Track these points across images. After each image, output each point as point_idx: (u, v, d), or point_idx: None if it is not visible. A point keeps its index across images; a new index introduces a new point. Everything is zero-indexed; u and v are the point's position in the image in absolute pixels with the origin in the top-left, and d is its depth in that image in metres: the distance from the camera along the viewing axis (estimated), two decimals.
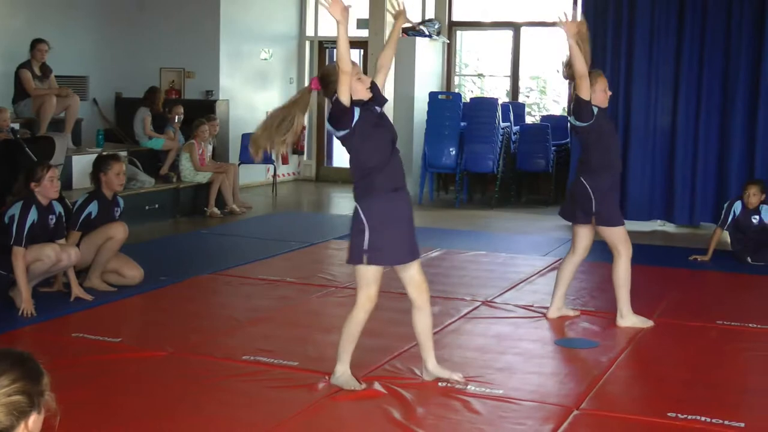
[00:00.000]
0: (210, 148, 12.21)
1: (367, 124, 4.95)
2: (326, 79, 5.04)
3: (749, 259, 8.86)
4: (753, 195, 8.83)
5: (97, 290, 7.16)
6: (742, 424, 4.64)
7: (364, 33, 13.71)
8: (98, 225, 7.25)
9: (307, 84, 5.48)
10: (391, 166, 5.00)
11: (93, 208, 7.25)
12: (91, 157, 8.51)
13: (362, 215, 4.94)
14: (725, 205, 9.12)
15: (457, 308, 6.95)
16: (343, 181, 15.34)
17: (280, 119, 4.97)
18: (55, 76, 11.04)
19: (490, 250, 9.32)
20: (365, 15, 13.50)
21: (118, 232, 7.30)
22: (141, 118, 12.08)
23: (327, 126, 5.08)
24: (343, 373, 5.12)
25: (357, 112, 4.92)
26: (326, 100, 4.98)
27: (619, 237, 6.51)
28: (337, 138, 5.03)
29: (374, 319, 6.63)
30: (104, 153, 8.54)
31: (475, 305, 7.06)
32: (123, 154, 10.95)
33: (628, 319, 6.54)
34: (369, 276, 5.04)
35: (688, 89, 10.90)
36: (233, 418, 4.70)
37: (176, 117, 12.26)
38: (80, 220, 7.20)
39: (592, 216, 6.43)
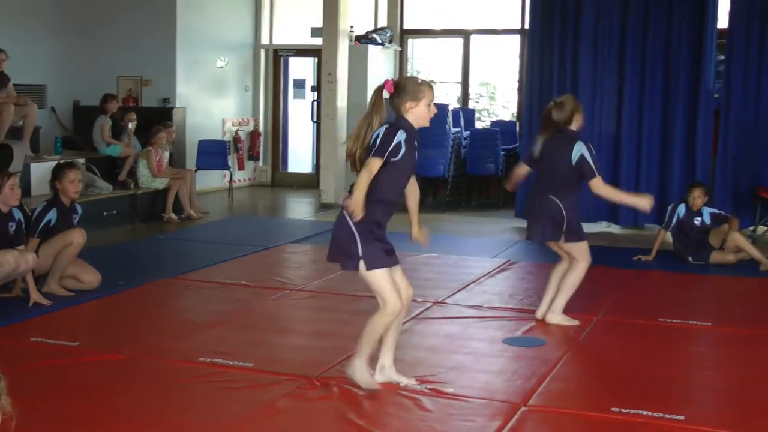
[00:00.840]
0: (167, 154, 12.27)
1: (405, 161, 4.96)
2: (401, 88, 4.99)
3: (690, 259, 9.08)
4: (697, 197, 9.03)
5: (56, 295, 7.14)
6: (682, 417, 4.74)
7: (317, 41, 13.85)
8: (57, 232, 7.28)
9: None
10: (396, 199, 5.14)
11: (52, 215, 7.29)
12: (50, 165, 8.56)
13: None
14: (669, 207, 9.33)
15: (409, 309, 7.02)
16: (299, 186, 15.48)
17: (365, 127, 4.95)
18: (14, 85, 10.98)
19: (442, 253, 9.36)
20: (319, 24, 13.62)
21: (77, 237, 7.31)
22: (100, 125, 12.12)
23: (370, 143, 4.92)
24: (359, 366, 5.17)
25: (403, 147, 4.92)
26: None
27: (583, 251, 6.69)
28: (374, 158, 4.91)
29: (326, 320, 6.83)
30: (61, 161, 8.61)
31: (427, 306, 7.13)
32: (81, 161, 10.98)
33: (558, 317, 6.71)
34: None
35: (631, 97, 11.15)
36: (190, 420, 4.72)
37: (129, 124, 12.31)
38: (39, 228, 7.22)
39: (562, 233, 6.57)
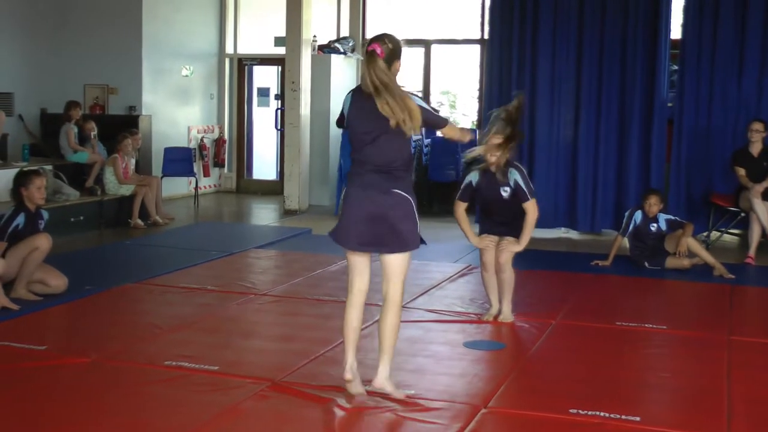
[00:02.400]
0: (133, 161, 12.30)
1: None
2: (395, 50, 4.96)
3: (646, 264, 9.22)
4: (654, 204, 9.16)
5: (24, 300, 7.17)
6: (638, 418, 4.85)
7: (281, 50, 13.93)
8: (24, 236, 7.31)
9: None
10: None
11: (20, 219, 7.34)
12: (17, 172, 8.58)
13: (413, 205, 5.04)
14: (626, 214, 9.45)
15: (371, 313, 6.85)
16: (263, 193, 15.53)
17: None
18: None
19: None
20: (282, 33, 13.71)
21: (42, 243, 7.33)
22: (65, 132, 12.16)
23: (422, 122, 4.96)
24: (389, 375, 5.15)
25: None
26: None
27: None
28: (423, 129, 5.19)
29: (290, 324, 6.90)
30: (24, 168, 8.61)
31: None
32: (48, 168, 11.00)
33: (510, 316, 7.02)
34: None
35: (588, 105, 11.29)
36: (155, 422, 4.77)
37: (90, 133, 12.35)
38: (8, 232, 7.26)
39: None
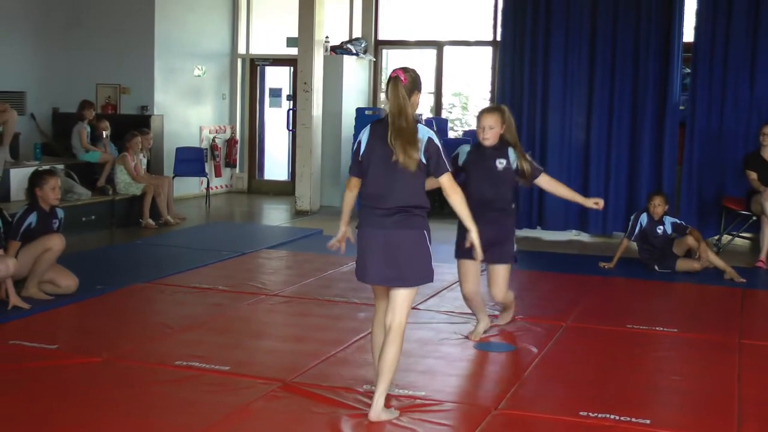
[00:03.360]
0: (144, 160, 12.34)
1: None
2: (415, 80, 4.98)
3: (656, 267, 9.22)
4: (658, 205, 9.19)
5: (35, 299, 7.19)
6: (648, 421, 4.87)
7: (293, 51, 13.95)
8: (37, 236, 7.32)
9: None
10: None
11: (33, 218, 7.35)
12: (29, 171, 8.62)
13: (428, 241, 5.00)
14: (632, 216, 9.51)
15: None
16: (275, 193, 15.56)
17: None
18: None
19: None
20: (294, 34, 13.72)
21: (56, 244, 7.35)
22: (78, 131, 12.21)
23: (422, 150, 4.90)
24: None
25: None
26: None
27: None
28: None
29: (301, 325, 6.91)
30: (40, 168, 8.63)
31: None
32: (60, 167, 11.06)
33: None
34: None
35: (600, 108, 11.27)
36: (165, 422, 4.78)
37: (103, 132, 12.39)
38: (21, 231, 7.28)
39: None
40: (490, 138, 6.36)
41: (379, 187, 4.90)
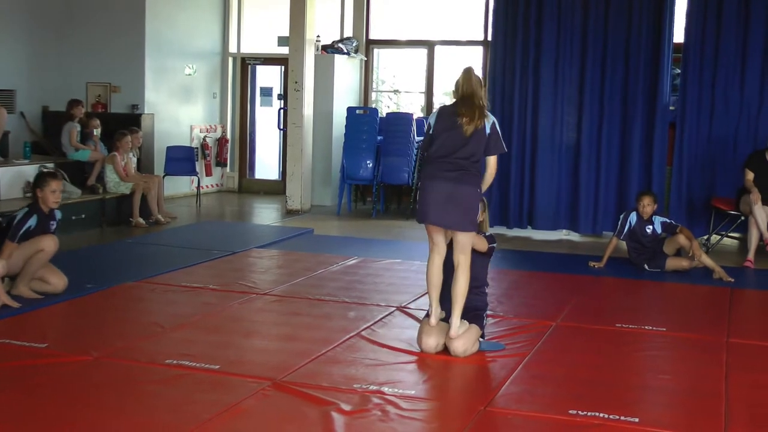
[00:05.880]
0: (134, 159, 12.34)
1: None
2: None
3: (646, 266, 9.25)
4: (647, 205, 9.21)
5: (25, 298, 7.18)
6: (636, 419, 4.89)
7: (284, 50, 13.95)
8: (34, 237, 7.31)
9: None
10: None
11: (32, 221, 7.32)
12: (18, 169, 8.63)
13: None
14: (621, 216, 9.52)
15: (372, 314, 7.10)
16: (265, 192, 15.57)
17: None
18: None
19: (405, 258, 9.49)
20: (285, 33, 13.72)
21: (49, 245, 7.34)
22: (68, 130, 12.19)
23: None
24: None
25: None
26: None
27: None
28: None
29: (291, 324, 6.92)
30: (45, 170, 8.56)
31: (390, 311, 7.22)
32: (50, 165, 11.04)
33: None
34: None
35: (591, 108, 11.32)
36: (155, 421, 4.78)
37: (94, 130, 12.37)
38: (20, 233, 7.25)
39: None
40: None
41: (447, 149, 5.89)
